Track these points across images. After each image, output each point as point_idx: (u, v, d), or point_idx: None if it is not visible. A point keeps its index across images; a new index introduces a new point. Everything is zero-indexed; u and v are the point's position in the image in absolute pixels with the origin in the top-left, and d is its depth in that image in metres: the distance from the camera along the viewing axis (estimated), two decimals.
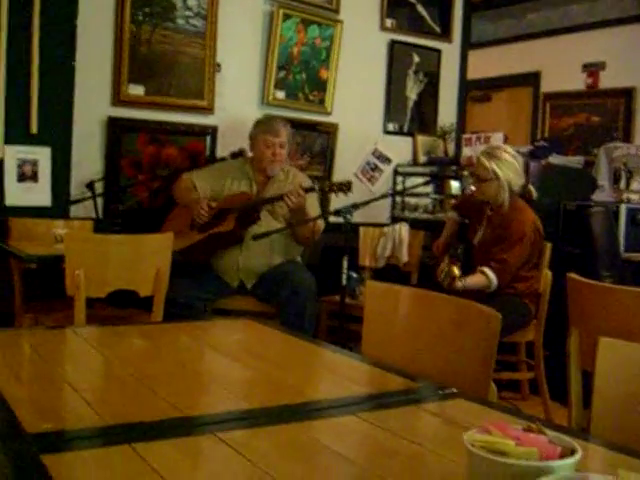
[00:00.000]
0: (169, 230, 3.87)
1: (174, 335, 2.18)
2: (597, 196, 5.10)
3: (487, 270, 3.74)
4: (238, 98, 4.99)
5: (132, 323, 3.26)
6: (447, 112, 6.02)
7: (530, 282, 3.95)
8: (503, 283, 3.78)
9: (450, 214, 4.35)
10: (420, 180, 4.82)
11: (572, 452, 0.98)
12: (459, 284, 3.57)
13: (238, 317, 2.56)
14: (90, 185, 4.34)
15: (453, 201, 4.94)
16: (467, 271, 3.75)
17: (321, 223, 4.17)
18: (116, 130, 4.56)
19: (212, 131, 4.86)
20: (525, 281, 3.92)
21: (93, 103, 4.49)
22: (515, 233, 3.80)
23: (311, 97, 5.27)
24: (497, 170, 3.79)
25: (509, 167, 3.85)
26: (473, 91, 7.83)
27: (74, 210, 4.42)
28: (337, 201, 4.69)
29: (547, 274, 4.01)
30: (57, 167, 4.35)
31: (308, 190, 3.98)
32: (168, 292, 3.52)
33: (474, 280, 3.72)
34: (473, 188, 4.00)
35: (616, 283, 3.91)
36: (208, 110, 4.84)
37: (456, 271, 3.52)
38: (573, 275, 2.76)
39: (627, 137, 6.76)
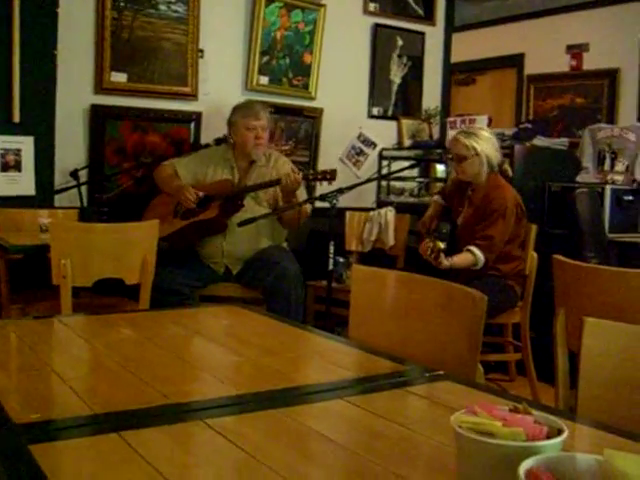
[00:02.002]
0: (151, 217, 3.86)
1: (161, 323, 2.17)
2: (582, 177, 5.12)
3: (473, 248, 3.76)
4: (222, 84, 4.97)
5: (119, 311, 3.25)
6: (431, 95, 6.02)
7: (515, 263, 3.97)
8: (490, 260, 3.80)
9: (436, 197, 4.37)
10: (405, 164, 4.82)
11: (559, 432, 0.99)
12: (446, 262, 3.60)
13: (225, 303, 2.57)
14: (74, 174, 4.32)
15: (437, 186, 4.97)
16: (453, 252, 3.77)
17: (308, 207, 4.17)
18: (99, 118, 4.53)
19: (196, 117, 4.84)
20: (510, 262, 3.94)
21: (76, 91, 4.46)
22: (497, 209, 3.83)
23: (295, 82, 5.26)
24: (476, 145, 3.87)
25: (487, 142, 3.94)
26: (457, 74, 7.82)
27: (58, 199, 4.39)
28: (323, 186, 4.69)
29: (533, 256, 4.03)
30: (40, 156, 4.32)
31: None
32: (154, 280, 3.51)
33: (461, 258, 3.74)
34: (453, 173, 4.02)
35: (601, 264, 3.93)
36: (192, 96, 4.82)
37: (441, 245, 3.55)
38: (558, 256, 2.77)
39: (611, 118, 6.77)
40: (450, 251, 3.73)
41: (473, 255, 3.76)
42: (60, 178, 4.40)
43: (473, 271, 3.80)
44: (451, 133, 5.18)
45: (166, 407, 1.32)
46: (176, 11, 4.70)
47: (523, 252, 4.02)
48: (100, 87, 4.52)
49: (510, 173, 4.12)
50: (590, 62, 7.07)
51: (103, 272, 3.38)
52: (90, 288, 3.47)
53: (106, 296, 3.88)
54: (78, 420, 1.24)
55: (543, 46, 7.39)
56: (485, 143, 3.92)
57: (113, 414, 1.27)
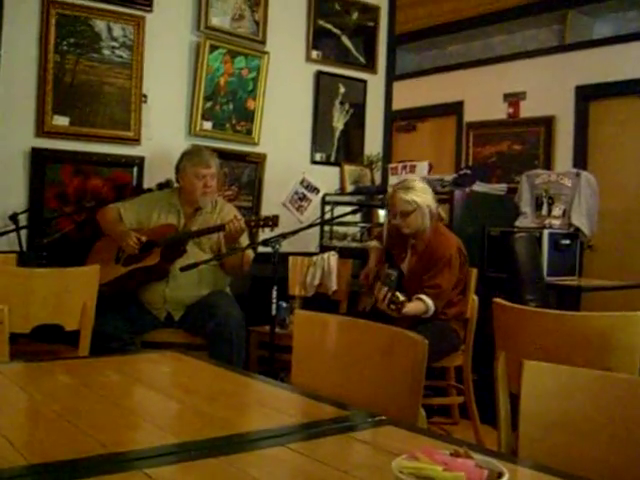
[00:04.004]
0: (93, 263, 3.80)
1: (101, 370, 2.13)
2: (520, 222, 5.22)
3: (424, 297, 3.78)
4: (165, 129, 4.96)
5: (58, 358, 3.18)
6: (373, 142, 6.11)
7: (459, 307, 4.01)
8: (439, 307, 3.83)
9: (373, 243, 4.40)
10: (348, 209, 4.86)
11: (499, 475, 1.00)
12: (403, 310, 3.59)
13: (166, 350, 2.53)
14: (14, 217, 4.24)
15: (375, 231, 4.99)
16: None
17: (250, 253, 4.16)
18: (40, 161, 4.48)
19: (139, 162, 4.82)
20: (455, 306, 3.99)
21: (16, 134, 4.41)
22: (442, 257, 3.87)
23: (238, 127, 5.28)
24: (416, 199, 3.91)
25: (425, 193, 3.99)
26: (398, 121, 7.95)
27: None
28: (266, 231, 4.70)
29: (474, 299, 4.08)
30: None
31: None
32: (95, 326, 3.45)
33: (413, 307, 3.74)
34: (397, 221, 4.04)
35: (540, 307, 4.00)
36: (134, 141, 4.79)
37: (401, 297, 3.54)
38: (498, 300, 2.81)
39: (548, 164, 6.95)
40: None
41: (424, 303, 3.78)
42: None
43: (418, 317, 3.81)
44: (393, 179, 5.25)
45: (104, 457, 1.29)
46: (120, 56, 4.70)
47: (464, 296, 4.07)
48: (41, 130, 4.47)
49: (444, 216, 4.18)
50: (527, 110, 7.26)
51: (42, 318, 3.31)
52: (28, 334, 3.39)
53: (45, 343, 3.79)
54: (13, 471, 1.21)
55: (482, 94, 7.58)
56: (423, 194, 3.96)
57: (50, 465, 1.24)
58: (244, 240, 4.10)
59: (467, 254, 4.03)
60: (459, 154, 7.92)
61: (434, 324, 3.83)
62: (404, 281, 4.00)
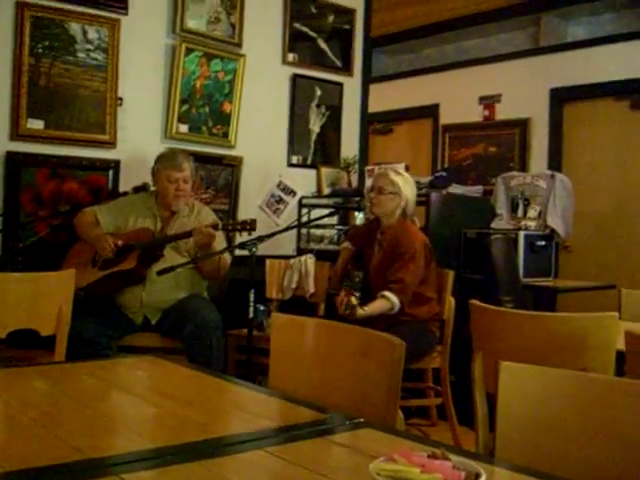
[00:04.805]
0: (70, 267, 3.78)
1: (77, 375, 2.12)
2: (496, 224, 5.25)
3: (387, 293, 3.77)
4: (141, 132, 4.94)
5: (33, 364, 3.16)
6: (350, 144, 6.11)
7: (429, 306, 4.00)
8: (404, 302, 3.82)
9: (345, 244, 4.40)
10: (325, 211, 4.86)
11: (476, 476, 1.00)
12: (361, 312, 3.61)
13: (143, 354, 2.52)
14: None
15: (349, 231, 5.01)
16: (368, 298, 3.79)
17: (227, 257, 4.14)
18: (15, 165, 4.44)
19: (114, 165, 4.79)
20: (424, 304, 3.97)
21: None
22: (406, 251, 3.87)
23: (215, 130, 5.27)
24: (401, 185, 3.94)
25: (411, 187, 4.04)
26: (375, 124, 7.97)
27: None
28: (243, 234, 4.69)
29: (450, 301, 4.09)
30: None
31: (214, 227, 3.95)
32: (71, 330, 3.42)
33: (376, 306, 3.74)
34: (372, 195, 4.04)
35: (516, 308, 4.03)
36: (110, 144, 4.77)
37: (354, 300, 3.57)
38: (475, 301, 2.83)
39: (523, 166, 7.00)
40: (365, 297, 3.76)
41: (388, 300, 3.77)
42: None
43: (391, 317, 3.81)
44: (369, 181, 5.26)
45: (81, 463, 1.28)
46: (95, 59, 4.68)
47: (439, 295, 4.07)
48: (16, 134, 4.43)
49: (417, 225, 4.18)
50: (502, 112, 7.31)
51: (17, 323, 3.28)
52: (3, 340, 3.36)
53: (20, 348, 3.76)
54: None
55: (457, 97, 7.62)
56: (409, 187, 4.01)
57: (25, 471, 1.23)
58: (219, 244, 4.08)
59: (442, 255, 4.04)
60: (435, 156, 7.96)
61: (409, 325, 3.84)
62: (370, 278, 4.01)
